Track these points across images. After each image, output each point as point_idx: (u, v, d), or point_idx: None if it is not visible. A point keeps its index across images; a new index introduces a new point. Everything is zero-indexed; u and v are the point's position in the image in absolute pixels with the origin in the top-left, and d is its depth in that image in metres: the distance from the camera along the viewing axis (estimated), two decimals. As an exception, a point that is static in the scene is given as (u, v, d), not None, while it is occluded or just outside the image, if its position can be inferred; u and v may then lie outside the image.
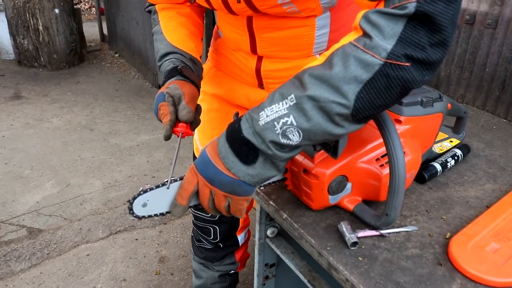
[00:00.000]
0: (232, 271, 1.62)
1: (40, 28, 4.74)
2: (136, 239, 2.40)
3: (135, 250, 2.32)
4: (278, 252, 1.04)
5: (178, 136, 0.94)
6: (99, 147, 3.36)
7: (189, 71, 1.03)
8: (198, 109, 1.01)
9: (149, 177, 2.98)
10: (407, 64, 0.62)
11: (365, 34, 0.63)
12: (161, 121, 0.95)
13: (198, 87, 1.04)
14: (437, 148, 1.12)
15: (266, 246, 1.10)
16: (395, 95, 0.65)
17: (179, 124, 0.94)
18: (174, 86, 0.98)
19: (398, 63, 0.61)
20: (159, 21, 1.15)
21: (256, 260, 1.13)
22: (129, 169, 3.07)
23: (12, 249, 2.28)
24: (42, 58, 4.93)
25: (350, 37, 0.66)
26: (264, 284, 1.18)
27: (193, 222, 1.51)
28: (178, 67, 1.02)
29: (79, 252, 2.29)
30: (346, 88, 0.63)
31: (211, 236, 1.47)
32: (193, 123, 0.98)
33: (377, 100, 0.65)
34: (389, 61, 0.61)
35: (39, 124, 3.70)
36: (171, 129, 0.92)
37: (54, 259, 2.23)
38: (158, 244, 2.36)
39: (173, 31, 1.12)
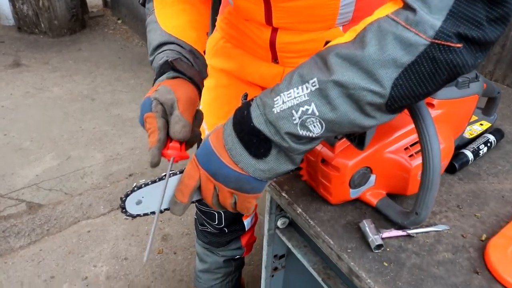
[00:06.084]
0: (237, 256, 1.54)
1: (40, -8, 4.57)
2: (139, 215, 2.33)
3: (137, 227, 2.25)
4: (290, 246, 0.95)
5: (168, 161, 0.69)
6: (100, 118, 3.25)
7: (185, 65, 0.79)
8: (197, 117, 0.78)
9: (152, 150, 2.88)
10: (459, 45, 0.50)
11: (407, 6, 0.51)
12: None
13: (199, 87, 0.81)
14: (467, 132, 1.01)
15: (276, 237, 1.00)
16: (440, 82, 0.53)
17: (170, 144, 0.70)
18: (165, 88, 0.73)
19: (448, 43, 0.49)
20: (153, 9, 0.91)
21: (264, 252, 1.04)
22: (132, 141, 2.97)
23: (11, 225, 2.22)
24: (42, 24, 4.76)
25: (387, 9, 0.53)
26: (272, 276, 1.10)
27: (196, 205, 1.42)
28: (169, 60, 0.79)
29: (80, 229, 2.22)
30: (381, 73, 0.52)
31: (215, 221, 1.37)
32: (190, 140, 0.74)
33: (418, 88, 0.53)
34: (437, 41, 0.49)
35: (39, 93, 3.58)
36: (160, 153, 0.68)
37: (54, 235, 2.17)
38: (161, 221, 2.29)
39: (171, 18, 0.88)
